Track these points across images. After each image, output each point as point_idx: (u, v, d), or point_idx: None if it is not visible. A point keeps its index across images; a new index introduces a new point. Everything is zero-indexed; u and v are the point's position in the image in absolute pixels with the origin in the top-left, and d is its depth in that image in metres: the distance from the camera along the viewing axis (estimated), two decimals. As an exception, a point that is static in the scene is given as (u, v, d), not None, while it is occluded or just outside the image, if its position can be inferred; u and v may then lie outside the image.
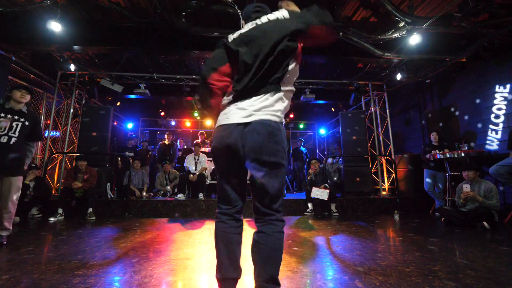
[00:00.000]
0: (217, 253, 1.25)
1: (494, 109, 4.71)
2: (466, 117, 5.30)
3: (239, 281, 1.59)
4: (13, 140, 2.52)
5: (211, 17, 4.64)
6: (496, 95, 4.68)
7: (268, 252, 1.14)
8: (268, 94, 1.17)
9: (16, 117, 2.58)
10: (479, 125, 4.98)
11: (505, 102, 4.55)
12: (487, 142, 4.76)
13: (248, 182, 1.27)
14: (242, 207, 1.30)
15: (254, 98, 1.17)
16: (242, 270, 1.28)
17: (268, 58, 1.16)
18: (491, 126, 4.73)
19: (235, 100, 1.21)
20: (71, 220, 4.02)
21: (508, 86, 4.50)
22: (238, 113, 1.17)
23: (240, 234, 1.29)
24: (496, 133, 4.63)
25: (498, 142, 4.58)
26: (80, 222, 3.85)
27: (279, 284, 1.14)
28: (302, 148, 8.31)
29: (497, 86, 4.69)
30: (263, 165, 1.14)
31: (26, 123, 2.63)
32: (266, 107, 1.16)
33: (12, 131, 2.53)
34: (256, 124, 1.13)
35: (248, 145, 1.14)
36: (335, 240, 2.81)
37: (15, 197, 2.56)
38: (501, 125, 4.57)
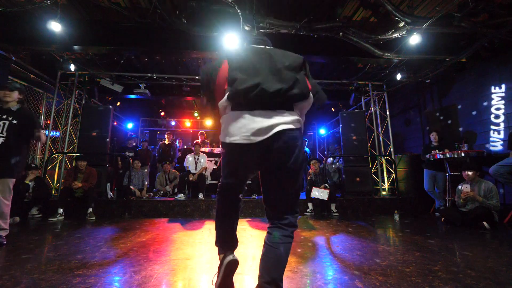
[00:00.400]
0: (218, 224, 1.34)
1: (493, 109, 4.71)
2: (466, 117, 5.30)
3: (239, 280, 1.59)
4: (0, 140, 2.42)
5: (211, 17, 4.64)
6: (495, 95, 4.69)
7: (272, 254, 1.15)
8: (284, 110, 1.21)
9: (4, 116, 2.48)
10: (479, 125, 4.97)
11: (503, 102, 4.57)
12: (491, 142, 4.74)
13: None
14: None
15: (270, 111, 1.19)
16: (238, 242, 1.38)
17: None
18: (492, 127, 4.73)
19: (247, 109, 1.19)
20: (71, 220, 4.02)
21: (507, 86, 4.51)
22: (257, 125, 1.15)
23: (239, 209, 1.38)
24: (499, 133, 4.63)
25: (501, 142, 4.57)
26: (80, 222, 3.85)
27: None
28: (306, 149, 8.29)
29: (494, 87, 4.70)
30: (288, 171, 1.17)
31: (14, 121, 2.50)
32: (284, 120, 1.18)
33: None
34: (280, 134, 1.14)
35: (273, 156, 1.15)
36: (335, 240, 2.80)
37: (4, 199, 2.44)
38: (502, 125, 4.57)
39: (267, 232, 1.22)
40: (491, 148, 4.71)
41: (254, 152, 1.16)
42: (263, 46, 1.34)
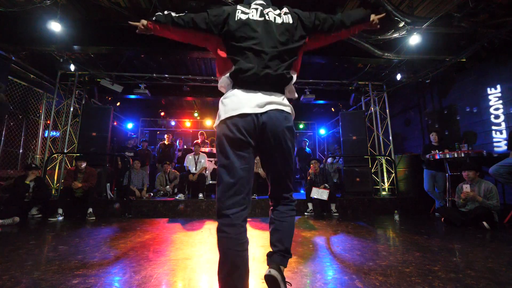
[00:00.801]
0: (223, 277, 1.05)
1: (493, 109, 4.71)
2: (466, 117, 5.30)
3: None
4: None
5: (211, 17, 4.63)
6: (495, 96, 4.69)
7: (281, 227, 1.27)
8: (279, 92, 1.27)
9: None
10: (479, 125, 4.97)
11: (501, 102, 4.56)
12: (494, 143, 4.71)
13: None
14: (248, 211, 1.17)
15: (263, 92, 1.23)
16: None
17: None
18: (493, 127, 4.72)
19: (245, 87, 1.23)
20: (71, 220, 4.02)
21: (507, 86, 4.50)
22: (252, 101, 1.19)
23: (247, 248, 1.11)
24: (501, 133, 4.62)
25: (505, 142, 4.54)
26: (80, 222, 3.85)
27: (291, 255, 1.28)
28: (307, 149, 8.28)
29: (494, 87, 4.69)
30: (283, 150, 1.22)
31: None
32: (277, 100, 1.24)
33: None
34: (273, 112, 1.20)
35: (269, 132, 1.19)
36: (335, 240, 2.80)
37: None
38: (503, 125, 4.57)
39: (272, 210, 1.33)
40: (495, 148, 4.68)
41: (253, 125, 1.17)
42: (264, 17, 1.29)
